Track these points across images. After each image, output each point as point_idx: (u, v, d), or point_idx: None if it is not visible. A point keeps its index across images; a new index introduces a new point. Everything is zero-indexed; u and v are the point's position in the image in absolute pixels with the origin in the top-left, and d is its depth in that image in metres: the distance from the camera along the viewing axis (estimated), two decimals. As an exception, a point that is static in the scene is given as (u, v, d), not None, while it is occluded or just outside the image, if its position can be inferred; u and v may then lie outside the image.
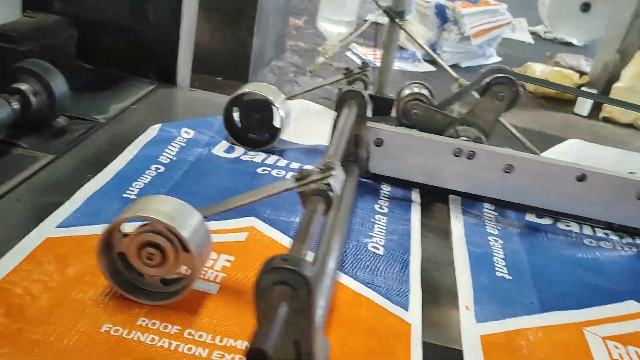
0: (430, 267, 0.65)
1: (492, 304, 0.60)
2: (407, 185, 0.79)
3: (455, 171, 0.76)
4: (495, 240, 0.71)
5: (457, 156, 0.76)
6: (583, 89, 2.79)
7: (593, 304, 0.62)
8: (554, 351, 0.55)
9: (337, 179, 0.51)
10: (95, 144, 0.81)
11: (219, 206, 0.54)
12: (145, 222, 0.49)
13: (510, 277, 0.64)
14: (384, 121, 0.79)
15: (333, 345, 0.51)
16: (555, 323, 0.58)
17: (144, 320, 0.50)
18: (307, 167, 0.54)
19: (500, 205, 0.79)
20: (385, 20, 1.31)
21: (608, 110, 2.65)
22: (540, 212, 0.78)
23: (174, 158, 0.79)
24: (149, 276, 0.52)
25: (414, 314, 0.56)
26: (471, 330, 0.56)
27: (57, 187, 0.69)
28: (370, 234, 0.69)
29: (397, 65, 3.33)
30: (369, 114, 0.77)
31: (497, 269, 0.66)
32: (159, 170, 0.75)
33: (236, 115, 0.85)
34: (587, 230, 0.77)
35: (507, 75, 0.78)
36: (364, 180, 0.80)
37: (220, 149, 0.83)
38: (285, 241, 0.64)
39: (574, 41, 4.37)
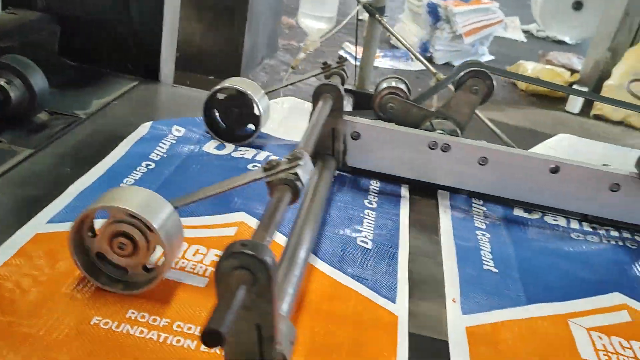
0: (418, 261, 0.65)
1: (478, 296, 0.60)
2: (385, 178, 0.80)
3: (431, 164, 0.77)
4: (483, 234, 0.72)
5: (432, 149, 0.76)
6: (574, 86, 2.81)
7: (578, 296, 0.63)
8: (539, 342, 0.55)
9: (305, 169, 0.52)
10: (75, 138, 0.82)
11: (190, 197, 0.55)
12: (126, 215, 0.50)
13: (497, 270, 0.65)
14: (362, 115, 0.80)
15: (320, 336, 0.51)
16: (541, 315, 0.59)
17: (133, 313, 0.51)
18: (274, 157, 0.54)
19: (489, 200, 0.80)
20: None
21: (599, 107, 2.67)
22: (517, 205, 0.79)
23: (165, 155, 0.80)
24: (129, 267, 0.53)
25: (401, 306, 0.57)
26: (457, 321, 0.56)
27: (35, 181, 0.70)
28: (359, 228, 0.69)
29: (390, 63, 3.34)
30: (349, 108, 0.78)
31: (484, 262, 0.66)
32: (149, 167, 0.76)
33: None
34: (574, 224, 0.78)
35: (481, 69, 0.79)
36: (352, 176, 0.81)
37: (211, 146, 0.84)
38: (275, 236, 0.65)
39: (567, 39, 4.39)
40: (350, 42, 3.08)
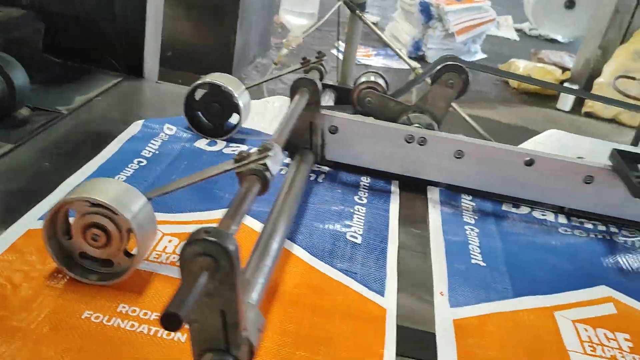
0: (407, 255, 0.66)
1: (465, 289, 0.61)
2: (366, 172, 0.81)
3: (408, 157, 0.78)
4: (472, 229, 0.73)
5: (409, 142, 0.77)
6: (565, 84, 2.83)
7: (565, 289, 0.64)
8: (525, 334, 0.56)
9: (275, 160, 0.52)
10: (55, 134, 0.82)
11: (164, 188, 0.56)
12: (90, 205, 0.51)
13: (485, 264, 0.66)
14: (341, 109, 0.81)
15: (309, 329, 0.52)
16: (527, 307, 0.60)
17: (124, 307, 0.51)
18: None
19: (478, 196, 0.80)
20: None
21: (590, 105, 2.68)
22: (493, 197, 0.80)
23: (157, 152, 0.80)
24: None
25: (389, 300, 0.58)
26: (444, 314, 0.57)
27: (14, 176, 0.70)
28: (349, 223, 0.70)
29: (383, 62, 3.35)
30: (331, 103, 0.79)
31: (472, 256, 0.67)
32: (141, 164, 0.76)
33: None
34: (562, 219, 0.79)
35: (456, 63, 0.80)
36: (343, 172, 0.81)
37: (202, 142, 0.84)
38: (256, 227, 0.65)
39: (559, 38, 4.42)
40: (342, 41, 3.09)
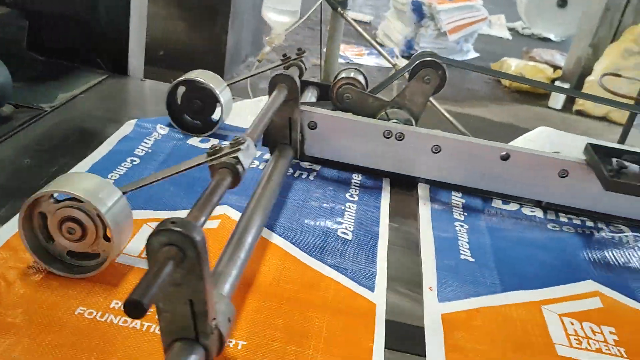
0: (397, 252, 0.67)
1: (454, 284, 0.62)
2: (344, 167, 0.82)
3: (387, 152, 0.79)
4: (461, 226, 0.74)
5: (387, 138, 0.78)
6: (557, 82, 2.85)
7: (552, 284, 0.65)
8: (512, 328, 0.57)
9: (247, 154, 0.53)
10: (37, 131, 0.83)
11: (138, 182, 0.56)
12: (66, 198, 0.52)
13: (474, 260, 0.67)
14: (321, 105, 0.81)
15: (299, 323, 0.53)
16: (515, 302, 0.61)
17: (117, 303, 0.52)
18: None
19: (467, 192, 0.81)
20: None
21: (581, 103, 2.70)
22: (468, 191, 0.81)
23: (150, 150, 0.81)
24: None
25: (379, 295, 0.59)
26: (433, 309, 0.58)
27: None
28: (340, 220, 0.71)
29: (375, 61, 3.36)
30: (313, 99, 0.79)
31: (461, 252, 0.68)
32: (134, 162, 0.77)
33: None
34: (551, 215, 0.80)
35: (433, 59, 0.81)
36: (335, 170, 0.82)
37: (195, 140, 0.85)
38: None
39: (552, 37, 4.44)
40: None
